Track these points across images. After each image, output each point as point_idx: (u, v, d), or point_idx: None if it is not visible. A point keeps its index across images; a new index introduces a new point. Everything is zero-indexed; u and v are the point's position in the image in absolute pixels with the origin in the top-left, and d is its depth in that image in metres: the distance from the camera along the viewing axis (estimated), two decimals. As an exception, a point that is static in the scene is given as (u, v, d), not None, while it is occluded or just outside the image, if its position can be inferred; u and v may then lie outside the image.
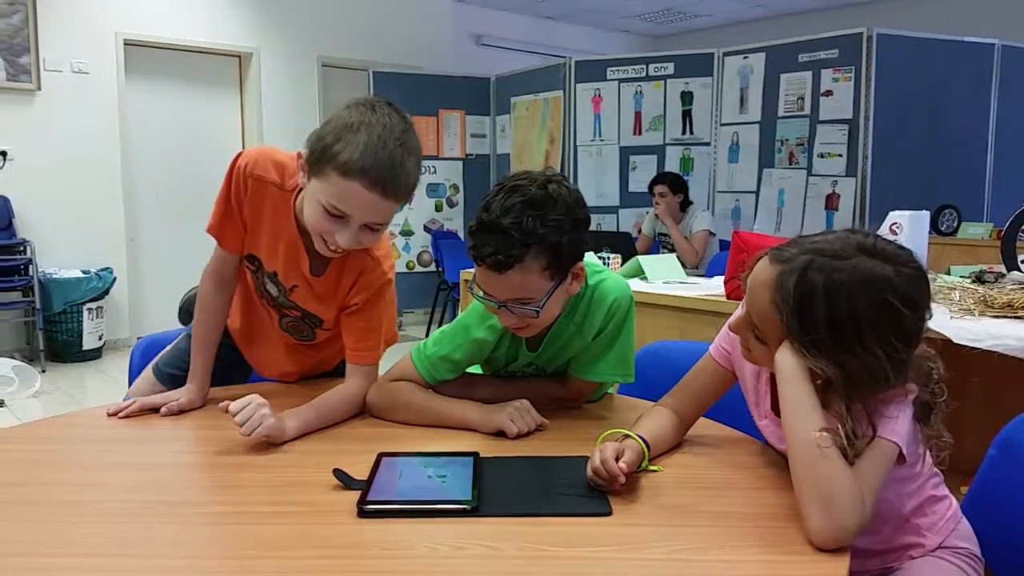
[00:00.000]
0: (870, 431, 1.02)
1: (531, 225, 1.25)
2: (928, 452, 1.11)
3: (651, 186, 4.80)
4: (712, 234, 4.70)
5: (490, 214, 1.27)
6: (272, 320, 1.64)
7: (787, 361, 1.05)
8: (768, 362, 1.12)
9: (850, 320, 1.00)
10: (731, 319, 1.20)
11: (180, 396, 1.47)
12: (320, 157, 1.28)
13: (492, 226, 1.26)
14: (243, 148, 6.35)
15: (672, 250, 4.76)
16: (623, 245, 4.12)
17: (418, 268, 6.60)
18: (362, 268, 1.49)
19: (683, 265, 4.03)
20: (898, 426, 1.03)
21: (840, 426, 1.01)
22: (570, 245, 1.30)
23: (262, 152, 1.48)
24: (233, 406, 1.25)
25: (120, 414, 1.43)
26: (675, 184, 4.73)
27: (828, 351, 1.01)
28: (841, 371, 1.01)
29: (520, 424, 1.34)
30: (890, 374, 1.01)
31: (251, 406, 1.26)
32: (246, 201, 1.48)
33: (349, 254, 1.44)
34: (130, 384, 1.78)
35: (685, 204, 4.77)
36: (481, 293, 1.35)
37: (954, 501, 1.22)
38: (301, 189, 1.40)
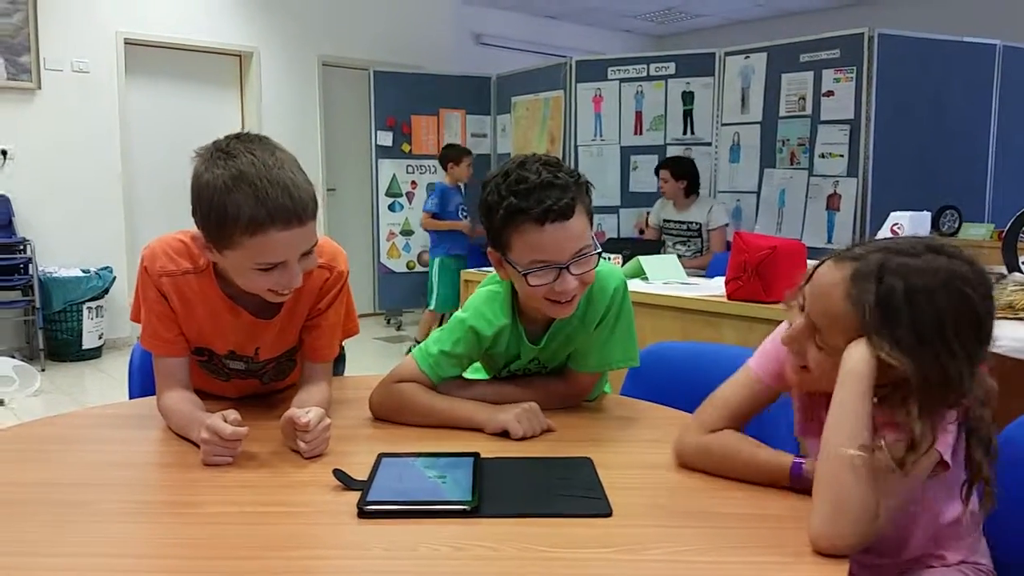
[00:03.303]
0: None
1: (564, 176, 1.33)
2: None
3: (657, 170, 4.90)
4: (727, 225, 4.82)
5: (527, 181, 1.31)
6: (249, 383, 1.57)
7: (857, 355, 0.99)
8: (825, 376, 1.05)
9: (934, 317, 0.96)
10: (783, 334, 1.12)
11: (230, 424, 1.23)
12: (222, 231, 1.22)
13: (539, 184, 1.30)
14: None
15: (677, 236, 4.80)
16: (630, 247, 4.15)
17: (418, 268, 6.60)
18: (322, 281, 1.47)
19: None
20: (939, 435, 0.99)
21: (901, 434, 0.97)
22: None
23: (160, 247, 1.42)
24: (312, 421, 1.20)
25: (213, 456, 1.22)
26: (678, 169, 4.79)
27: (908, 347, 0.97)
28: (918, 370, 0.96)
29: (526, 426, 1.34)
30: (965, 380, 0.97)
31: (323, 425, 1.23)
32: (172, 300, 1.41)
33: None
34: (130, 385, 1.78)
35: (690, 191, 4.82)
36: (540, 268, 1.33)
37: (980, 520, 1.17)
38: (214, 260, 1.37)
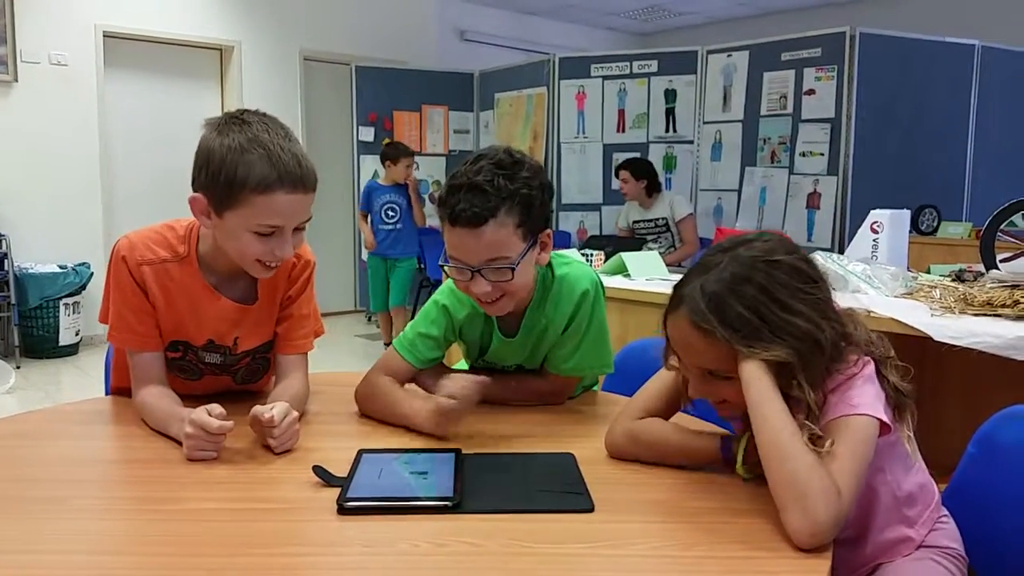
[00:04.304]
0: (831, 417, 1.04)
1: (502, 183, 1.29)
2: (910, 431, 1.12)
3: (616, 172, 4.89)
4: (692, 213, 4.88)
5: (460, 178, 1.31)
6: (222, 381, 1.54)
7: (746, 367, 1.05)
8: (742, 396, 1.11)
9: (764, 295, 1.04)
10: (690, 391, 1.18)
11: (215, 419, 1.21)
12: (229, 190, 1.26)
13: (465, 185, 1.29)
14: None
15: (648, 234, 4.84)
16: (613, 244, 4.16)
17: (400, 264, 6.57)
18: (290, 268, 1.49)
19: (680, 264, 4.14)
20: (864, 399, 1.04)
21: (806, 413, 1.03)
22: (540, 206, 1.34)
23: (137, 237, 1.41)
24: (276, 417, 1.20)
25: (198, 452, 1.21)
26: (637, 169, 4.83)
27: (768, 335, 1.04)
28: (789, 348, 1.04)
29: (442, 428, 1.29)
30: (821, 324, 1.05)
31: (289, 420, 1.23)
32: (152, 290, 1.40)
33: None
34: (106, 381, 1.75)
35: (652, 190, 4.85)
36: (453, 264, 1.34)
37: (936, 491, 1.23)
38: (196, 247, 1.40)
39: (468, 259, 1.32)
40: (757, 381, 1.04)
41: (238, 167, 1.25)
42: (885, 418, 1.04)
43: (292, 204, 1.29)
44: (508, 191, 1.29)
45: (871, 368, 1.09)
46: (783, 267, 1.07)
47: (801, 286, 1.06)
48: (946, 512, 1.23)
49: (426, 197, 6.68)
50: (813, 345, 1.04)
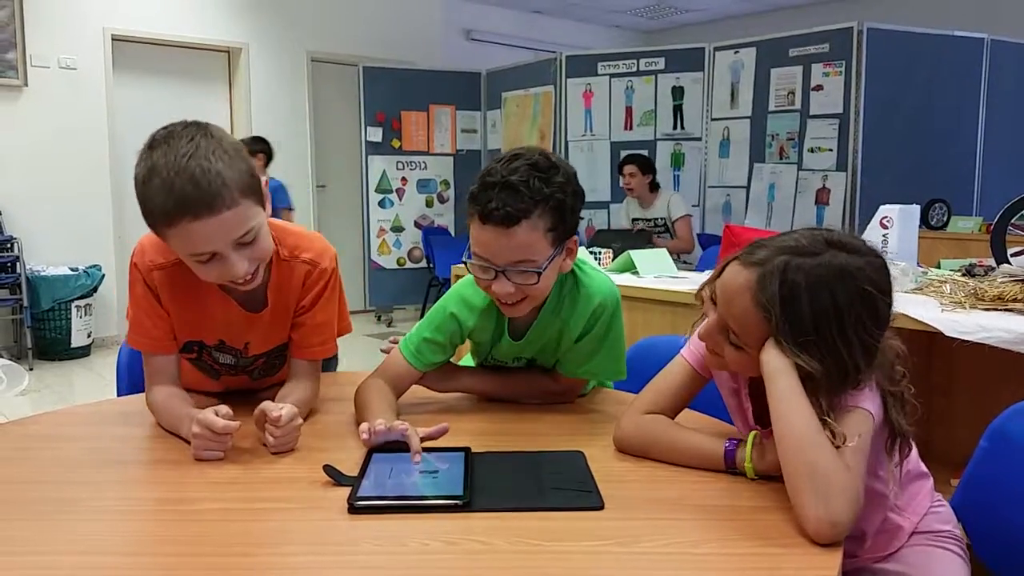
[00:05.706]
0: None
1: (537, 184, 1.27)
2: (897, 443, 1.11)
3: (620, 167, 4.91)
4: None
5: (495, 176, 1.28)
6: (239, 380, 1.56)
7: (775, 358, 1.04)
8: (744, 367, 1.12)
9: (834, 314, 1.02)
10: (699, 328, 1.18)
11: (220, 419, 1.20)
12: (149, 224, 1.23)
13: (500, 184, 1.26)
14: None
15: (645, 231, 4.85)
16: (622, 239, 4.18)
17: (409, 264, 6.59)
18: (304, 276, 1.45)
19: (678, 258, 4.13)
20: (863, 398, 1.05)
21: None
22: (571, 212, 1.32)
23: (148, 241, 1.39)
24: (284, 418, 1.20)
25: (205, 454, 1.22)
26: (644, 165, 4.87)
27: (812, 346, 1.02)
28: (822, 365, 1.02)
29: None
30: (861, 363, 1.03)
31: (292, 424, 1.22)
32: (164, 293, 1.40)
33: (281, 273, 1.41)
34: (119, 383, 1.77)
35: (653, 186, 4.92)
36: (477, 262, 1.32)
37: (930, 476, 1.24)
38: None
39: (495, 259, 1.30)
40: (785, 376, 1.03)
41: (145, 201, 1.20)
42: (878, 419, 1.05)
43: (205, 229, 1.18)
44: (543, 194, 1.27)
45: (874, 383, 1.08)
46: (868, 301, 1.03)
47: (868, 324, 1.03)
48: (939, 497, 1.24)
49: (435, 196, 6.69)
50: (843, 375, 1.03)
